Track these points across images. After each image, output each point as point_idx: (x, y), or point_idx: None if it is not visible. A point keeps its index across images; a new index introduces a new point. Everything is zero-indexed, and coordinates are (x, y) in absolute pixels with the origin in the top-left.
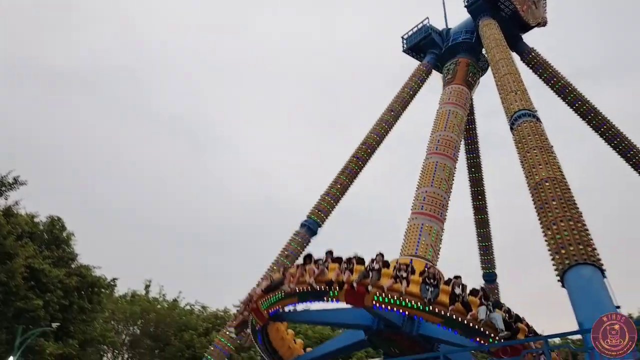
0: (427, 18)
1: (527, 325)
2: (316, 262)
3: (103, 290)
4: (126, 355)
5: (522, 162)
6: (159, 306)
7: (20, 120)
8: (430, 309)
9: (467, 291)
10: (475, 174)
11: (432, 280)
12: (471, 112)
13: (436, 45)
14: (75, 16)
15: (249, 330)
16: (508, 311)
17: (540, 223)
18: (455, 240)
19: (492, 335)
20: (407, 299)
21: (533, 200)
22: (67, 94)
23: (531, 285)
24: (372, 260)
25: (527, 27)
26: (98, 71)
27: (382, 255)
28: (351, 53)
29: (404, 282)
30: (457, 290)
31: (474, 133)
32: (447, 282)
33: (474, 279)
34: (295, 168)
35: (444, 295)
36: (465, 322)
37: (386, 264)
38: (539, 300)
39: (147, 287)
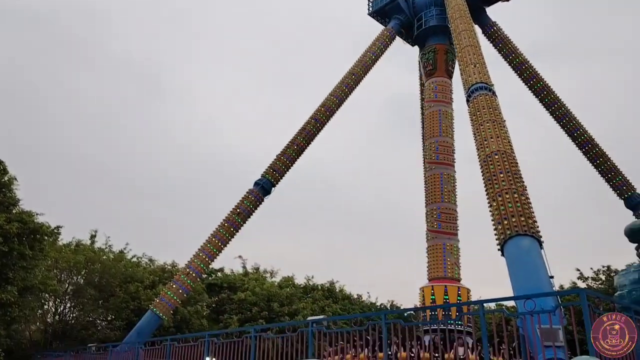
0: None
1: None
2: None
3: (46, 237)
4: (69, 304)
5: (474, 134)
6: (104, 257)
7: None
8: None
9: None
10: None
11: None
12: None
13: (402, 11)
14: None
15: None
16: None
17: (487, 194)
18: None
19: None
20: None
21: (482, 171)
22: (19, 29)
23: (479, 252)
24: None
25: (491, 1)
26: (54, 8)
27: None
28: (318, 12)
29: None
30: None
31: None
32: None
33: (421, 246)
34: (256, 125)
35: None
36: None
37: None
38: (485, 268)
39: (92, 237)
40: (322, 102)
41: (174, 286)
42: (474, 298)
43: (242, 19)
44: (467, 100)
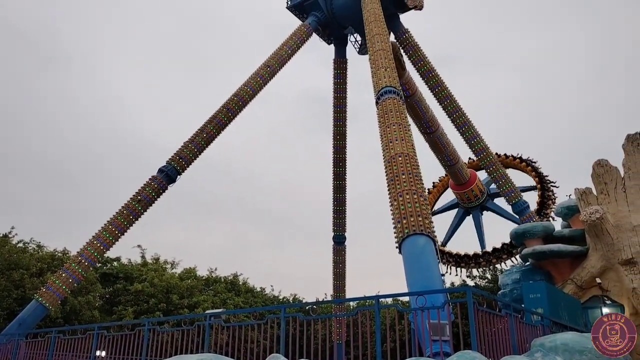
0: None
1: None
2: None
3: None
4: None
5: (381, 136)
6: None
7: None
8: None
9: None
10: (340, 142)
11: None
12: (343, 82)
13: (319, 8)
14: None
15: None
16: None
17: (389, 194)
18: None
19: None
20: None
21: (386, 172)
22: None
23: (379, 250)
24: None
25: (405, 8)
26: None
27: None
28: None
29: None
30: None
31: (343, 102)
32: None
33: (325, 240)
34: (165, 108)
35: None
36: None
37: None
38: (384, 264)
39: None
40: (235, 92)
41: (63, 275)
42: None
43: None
44: (376, 103)
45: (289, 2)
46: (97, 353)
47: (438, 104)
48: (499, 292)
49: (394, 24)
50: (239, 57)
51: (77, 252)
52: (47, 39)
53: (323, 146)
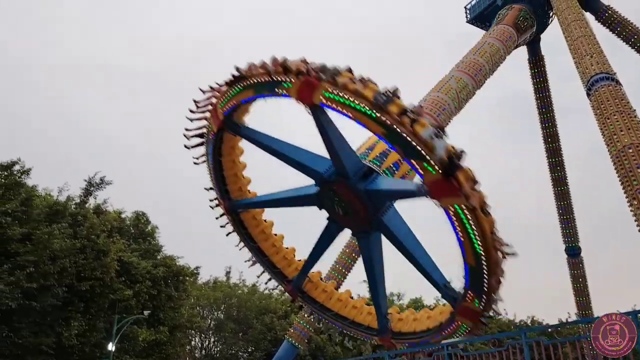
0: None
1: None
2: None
3: (187, 278)
4: (212, 339)
5: (601, 129)
6: (239, 291)
7: None
8: (377, 115)
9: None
10: (552, 144)
11: (387, 92)
12: (543, 80)
13: None
14: None
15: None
16: (455, 150)
17: (625, 193)
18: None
19: (431, 162)
20: (356, 100)
21: (616, 169)
22: None
23: (623, 258)
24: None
25: None
26: None
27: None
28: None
29: (360, 84)
30: (410, 107)
31: (548, 101)
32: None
33: (557, 252)
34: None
35: (395, 107)
36: (407, 137)
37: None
38: (631, 272)
39: (227, 273)
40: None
41: (305, 315)
42: None
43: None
44: (588, 94)
45: (469, 16)
46: None
47: None
48: None
49: (590, 5)
50: (423, 72)
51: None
52: None
53: (532, 151)
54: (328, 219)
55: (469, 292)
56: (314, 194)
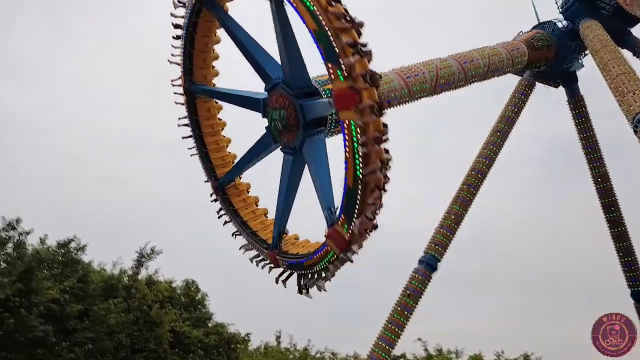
0: (521, 32)
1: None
2: None
3: (239, 345)
4: None
5: None
6: (291, 356)
7: None
8: (314, 8)
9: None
10: (603, 185)
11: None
12: (586, 120)
13: None
14: None
15: None
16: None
17: None
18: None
19: (343, 67)
20: None
21: None
22: None
23: None
24: None
25: (635, 20)
26: None
27: None
28: None
29: None
30: (349, 16)
31: (593, 141)
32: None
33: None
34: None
35: (336, 9)
36: (331, 36)
37: None
38: None
39: (277, 337)
40: (472, 167)
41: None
42: None
43: None
44: (635, 131)
45: None
46: None
47: None
48: None
49: (624, 41)
50: (461, 127)
51: (367, 355)
52: None
53: (582, 193)
54: (266, 127)
55: (341, 215)
56: (260, 99)
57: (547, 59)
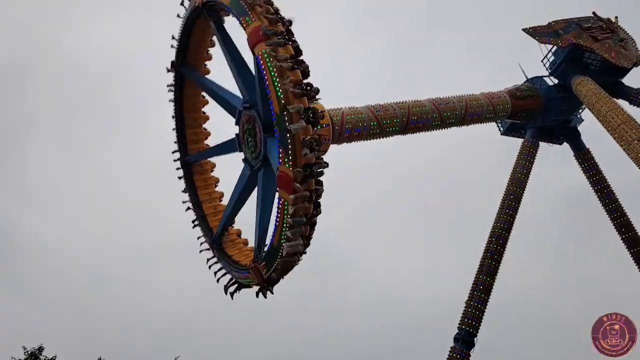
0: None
1: None
2: None
3: None
4: None
5: None
6: None
7: None
8: None
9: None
10: (628, 234)
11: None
12: (597, 172)
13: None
14: None
15: None
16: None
17: None
18: None
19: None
20: None
21: None
22: None
23: None
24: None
25: (624, 71)
26: None
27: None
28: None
29: None
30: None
31: (608, 191)
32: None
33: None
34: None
35: None
36: None
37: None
38: None
39: None
40: (490, 233)
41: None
42: None
43: None
44: None
45: (502, 128)
46: None
47: None
48: None
49: (619, 92)
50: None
51: None
52: None
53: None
54: (236, 134)
55: (263, 263)
56: (237, 108)
57: (533, 108)
